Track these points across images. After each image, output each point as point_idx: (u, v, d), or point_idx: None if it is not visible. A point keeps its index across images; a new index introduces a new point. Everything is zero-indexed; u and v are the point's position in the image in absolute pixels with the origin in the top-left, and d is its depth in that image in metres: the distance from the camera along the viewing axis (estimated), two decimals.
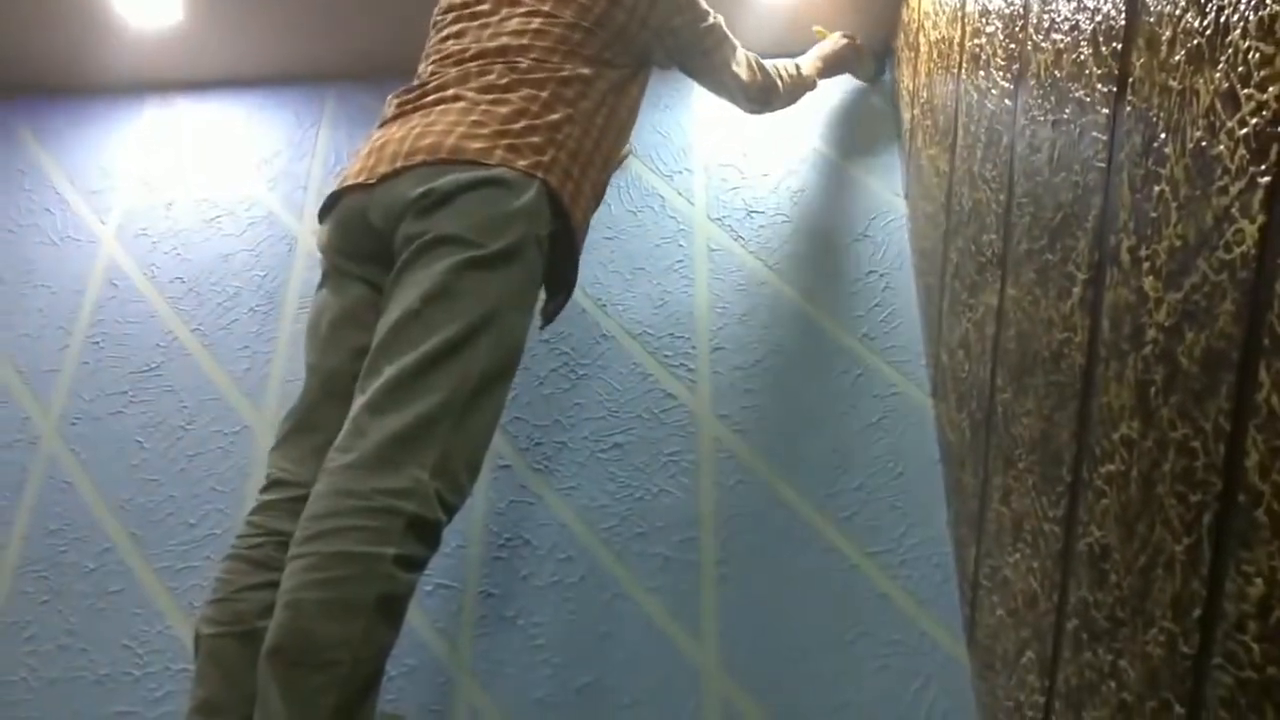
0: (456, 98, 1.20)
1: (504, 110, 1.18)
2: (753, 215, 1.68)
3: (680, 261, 1.64)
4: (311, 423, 1.16)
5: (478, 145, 1.14)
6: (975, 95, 1.21)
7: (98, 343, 1.68)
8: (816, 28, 1.77)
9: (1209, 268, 0.65)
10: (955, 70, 1.32)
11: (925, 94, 1.51)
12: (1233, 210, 0.62)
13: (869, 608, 1.31)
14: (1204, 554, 0.66)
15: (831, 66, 1.72)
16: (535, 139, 1.17)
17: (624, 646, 1.32)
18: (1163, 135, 0.72)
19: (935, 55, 1.44)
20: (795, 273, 1.61)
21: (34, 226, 1.82)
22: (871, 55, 1.79)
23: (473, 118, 1.17)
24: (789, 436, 1.46)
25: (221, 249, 1.76)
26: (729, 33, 1.44)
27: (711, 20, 1.39)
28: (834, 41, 1.73)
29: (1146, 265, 0.75)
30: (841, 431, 1.46)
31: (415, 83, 1.28)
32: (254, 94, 1.96)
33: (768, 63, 1.54)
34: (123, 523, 1.50)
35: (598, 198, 1.29)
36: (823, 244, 1.64)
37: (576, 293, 1.63)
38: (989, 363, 1.17)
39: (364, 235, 1.18)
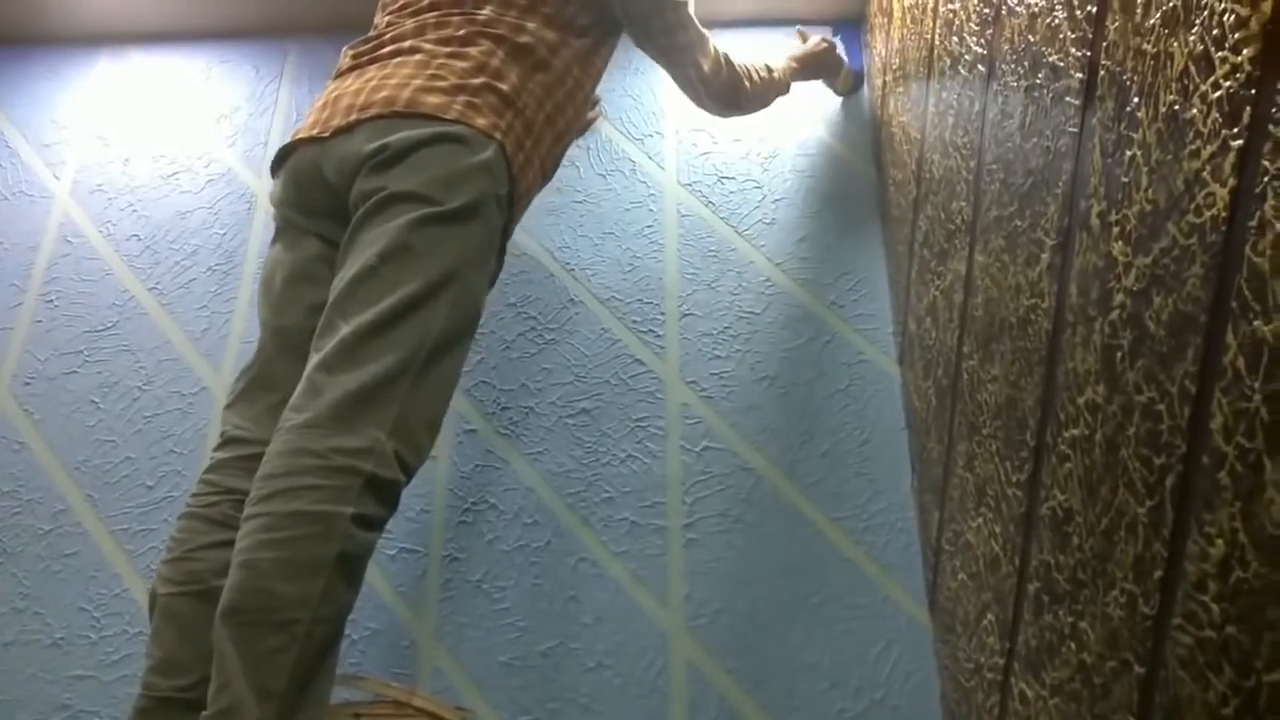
0: (414, 50, 1.17)
1: (462, 64, 1.15)
2: (723, 181, 1.67)
3: (650, 227, 1.63)
4: (266, 380, 1.14)
5: (434, 100, 1.11)
6: (948, 61, 1.21)
7: (51, 301, 1.64)
8: (798, 28, 1.72)
9: (1179, 232, 0.65)
10: (928, 36, 1.31)
11: (898, 60, 1.50)
12: (1204, 174, 0.62)
13: (833, 572, 1.32)
14: (1166, 516, 0.67)
15: (807, 70, 1.64)
16: (493, 99, 1.14)
17: (590, 610, 1.32)
18: (1136, 99, 0.72)
19: (908, 21, 1.43)
20: (765, 239, 1.60)
21: None
22: (850, 70, 1.72)
23: (429, 71, 1.14)
24: (756, 403, 1.46)
25: (179, 206, 1.71)
26: (698, 22, 1.37)
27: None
28: (813, 44, 1.66)
29: (1116, 230, 0.75)
30: (809, 398, 1.46)
31: (371, 34, 1.24)
32: (213, 47, 1.90)
33: (738, 61, 1.47)
34: (78, 484, 1.47)
35: (545, 175, 1.26)
36: (793, 211, 1.63)
37: (545, 257, 1.62)
38: (956, 330, 1.17)
39: (317, 190, 1.15)
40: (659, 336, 1.53)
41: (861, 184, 1.66)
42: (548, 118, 1.20)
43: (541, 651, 1.30)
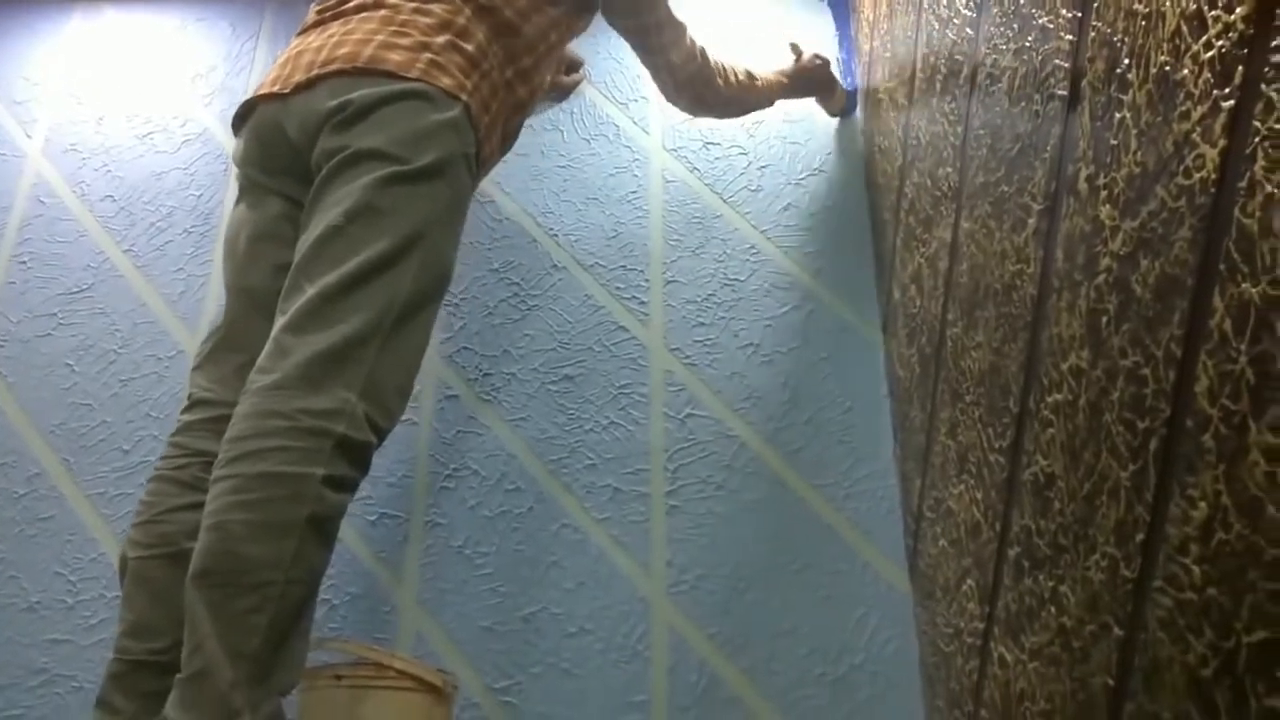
0: (378, 5, 1.14)
1: (426, 20, 1.13)
2: (709, 147, 1.65)
3: (634, 192, 1.62)
4: (233, 341, 1.12)
5: (397, 57, 1.09)
6: (936, 25, 1.19)
7: (24, 262, 1.61)
8: (791, 42, 1.63)
9: (1167, 194, 0.65)
10: (917, 2, 1.29)
11: (885, 25, 1.48)
12: (1194, 135, 0.62)
13: (814, 539, 1.33)
14: (1149, 479, 0.67)
15: (796, 86, 1.56)
16: (457, 58, 1.12)
17: (572, 576, 1.32)
18: (1126, 61, 0.71)
19: None
20: (750, 206, 1.59)
21: None
22: (844, 90, 1.65)
23: (392, 27, 1.11)
24: (740, 370, 1.46)
25: (155, 167, 1.68)
26: (671, 8, 1.33)
27: None
28: (806, 61, 1.58)
29: (1104, 194, 0.75)
30: (792, 366, 1.46)
31: None
32: (188, 4, 1.86)
33: (718, 59, 1.41)
34: (53, 448, 1.45)
35: (506, 142, 1.24)
36: (779, 177, 1.62)
37: (528, 222, 1.60)
38: (941, 297, 1.17)
39: (280, 148, 1.13)
40: (643, 303, 1.52)
41: (848, 152, 1.65)
42: (507, 83, 1.18)
43: (523, 616, 1.30)
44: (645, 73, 1.72)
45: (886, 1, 1.49)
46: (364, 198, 1.02)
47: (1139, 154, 0.69)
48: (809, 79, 1.58)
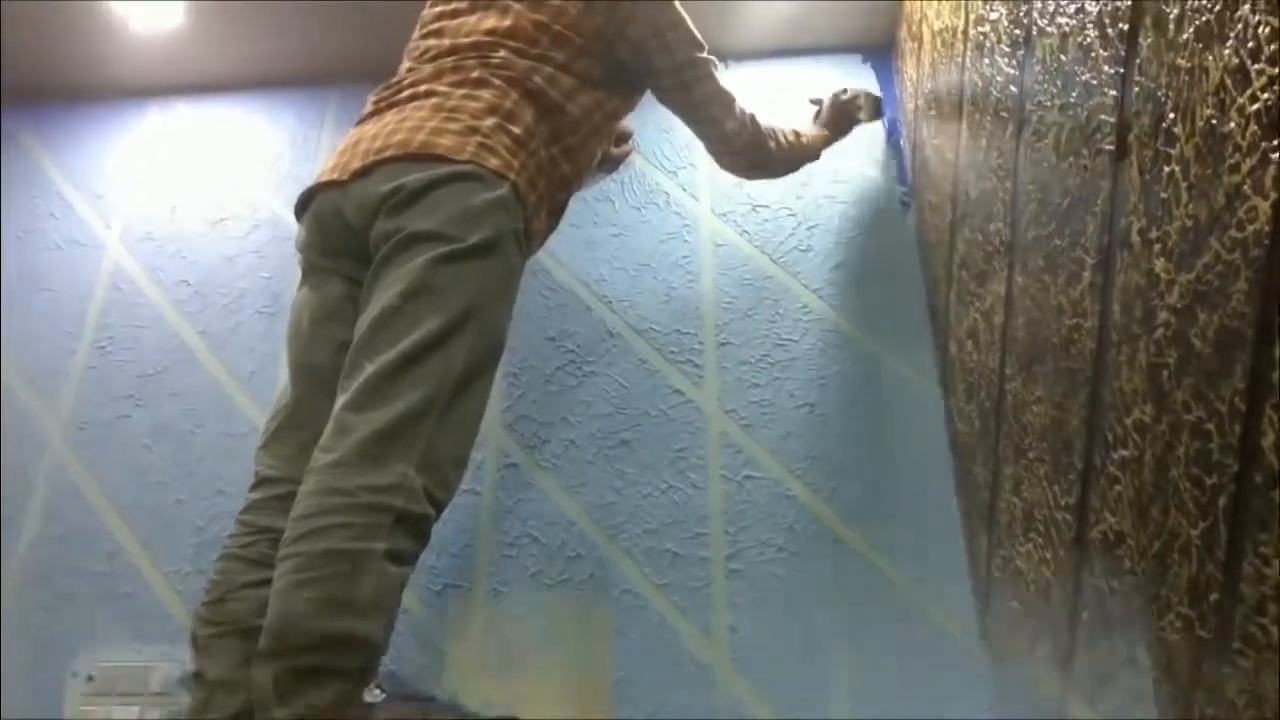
0: (430, 93, 1.19)
1: (475, 105, 1.17)
2: (757, 210, 1.67)
3: (685, 257, 1.64)
4: (297, 419, 1.15)
5: (448, 141, 1.13)
6: (980, 83, 1.20)
7: (104, 347, 1.68)
8: (810, 98, 1.68)
9: (1221, 247, 0.64)
10: (960, 59, 1.31)
11: (929, 84, 1.50)
12: (1244, 187, 0.61)
13: (880, 601, 1.30)
14: (1219, 537, 0.65)
15: (835, 129, 1.60)
16: (505, 140, 1.16)
17: (633, 643, 1.31)
18: (1172, 115, 0.71)
19: (939, 45, 1.43)
20: (800, 266, 1.60)
21: (39, 232, 1.83)
22: (868, 98, 1.67)
23: (443, 113, 1.16)
24: (796, 430, 1.45)
25: (226, 251, 1.76)
26: (719, 77, 1.36)
27: (700, 55, 1.32)
28: (830, 104, 1.62)
29: (1157, 247, 0.74)
30: (849, 425, 1.45)
31: (393, 80, 1.27)
32: (256, 96, 1.96)
33: (765, 123, 1.44)
34: (131, 526, 1.50)
35: (554, 217, 1.27)
36: (828, 237, 1.63)
37: (582, 290, 1.63)
38: (998, 351, 1.16)
39: (340, 232, 1.17)
40: (697, 366, 1.53)
41: (896, 210, 1.65)
42: (553, 159, 1.21)
43: None
44: (694, 140, 1.76)
45: (929, 61, 1.50)
46: (419, 277, 1.06)
47: (1190, 207, 0.69)
48: (843, 114, 1.63)
